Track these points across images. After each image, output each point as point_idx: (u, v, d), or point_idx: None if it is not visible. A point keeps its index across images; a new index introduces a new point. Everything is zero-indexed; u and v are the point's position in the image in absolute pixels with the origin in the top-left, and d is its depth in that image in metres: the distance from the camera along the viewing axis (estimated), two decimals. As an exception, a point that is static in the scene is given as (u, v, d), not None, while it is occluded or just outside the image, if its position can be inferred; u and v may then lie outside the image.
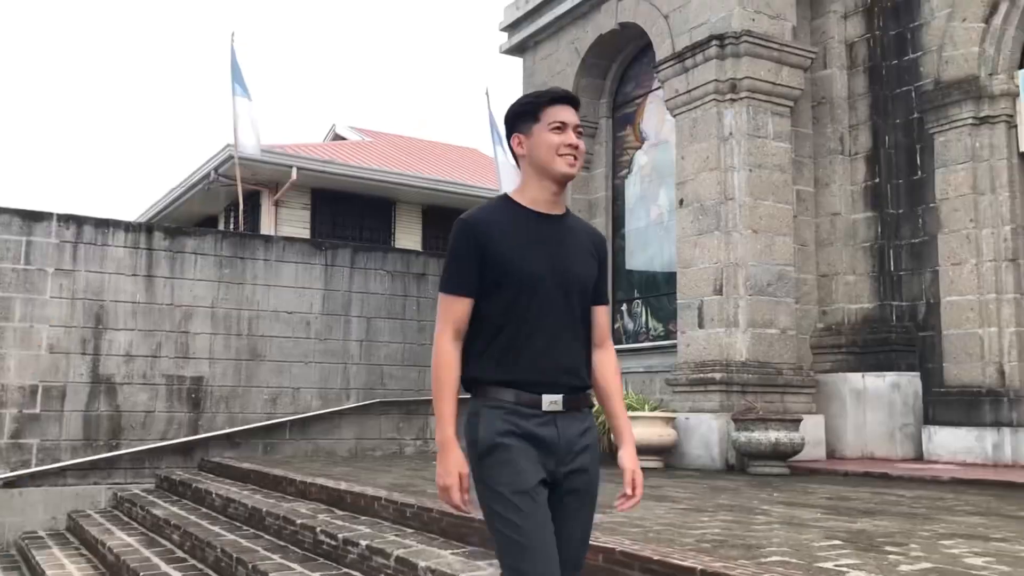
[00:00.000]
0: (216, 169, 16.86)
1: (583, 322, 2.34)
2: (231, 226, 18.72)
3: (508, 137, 2.37)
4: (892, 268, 9.59)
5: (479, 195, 17.56)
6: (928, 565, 3.38)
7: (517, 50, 12.83)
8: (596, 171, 11.96)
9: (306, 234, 17.18)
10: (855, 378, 9.42)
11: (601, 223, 11.62)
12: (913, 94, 9.48)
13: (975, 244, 8.78)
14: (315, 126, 66.25)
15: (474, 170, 21.29)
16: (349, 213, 18.28)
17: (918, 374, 9.26)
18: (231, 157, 15.68)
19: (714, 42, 9.24)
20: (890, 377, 9.22)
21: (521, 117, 2.33)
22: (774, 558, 3.52)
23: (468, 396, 2.32)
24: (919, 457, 8.97)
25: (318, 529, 5.46)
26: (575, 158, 2.30)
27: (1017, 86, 8.75)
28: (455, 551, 4.57)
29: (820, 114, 10.11)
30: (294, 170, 16.53)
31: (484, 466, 2.17)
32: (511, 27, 12.77)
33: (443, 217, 19.18)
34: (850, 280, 9.80)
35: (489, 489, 2.17)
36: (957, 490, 6.62)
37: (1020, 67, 8.85)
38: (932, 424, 8.88)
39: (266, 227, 17.47)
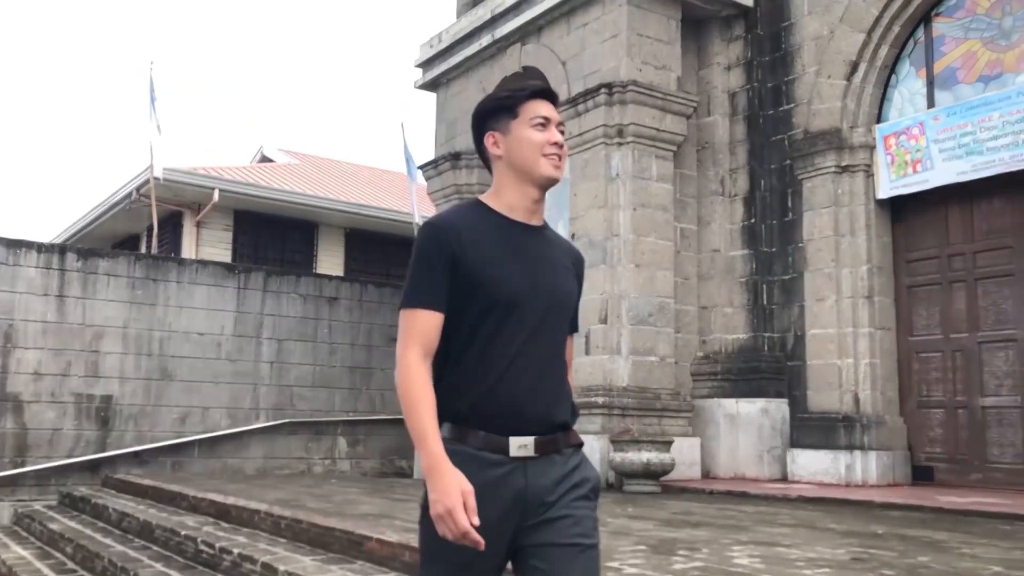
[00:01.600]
0: (138, 189, 17.06)
1: (562, 350, 2.04)
2: (150, 248, 18.89)
3: (480, 136, 2.07)
4: (765, 302, 10.37)
5: (402, 220, 18.07)
6: (699, 564, 3.99)
7: (431, 86, 13.43)
8: (501, 204, 12.58)
9: (228, 255, 17.46)
10: (729, 403, 10.15)
11: (505, 253, 12.21)
12: (786, 142, 10.31)
13: (836, 282, 9.59)
14: (247, 147, 65.98)
15: (400, 194, 21.79)
16: (272, 235, 18.59)
17: (786, 400, 10.02)
18: (155, 178, 15.91)
19: (603, 90, 9.95)
20: (760, 403, 9.97)
21: (496, 113, 2.05)
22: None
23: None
24: (784, 477, 9.71)
25: (199, 539, 5.89)
26: (560, 159, 2.03)
27: (874, 139, 9.63)
28: (315, 557, 5.05)
29: (704, 158, 10.89)
30: (216, 192, 16.82)
31: (428, 523, 1.82)
32: (425, 64, 13.37)
33: (366, 240, 19.64)
34: (727, 312, 10.56)
35: (426, 553, 1.89)
36: (796, 506, 7.33)
37: (877, 122, 9.74)
38: (795, 447, 9.64)
39: (188, 247, 17.68)
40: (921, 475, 9.26)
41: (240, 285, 12.71)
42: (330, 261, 19.28)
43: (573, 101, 10.34)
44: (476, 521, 1.74)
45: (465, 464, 1.81)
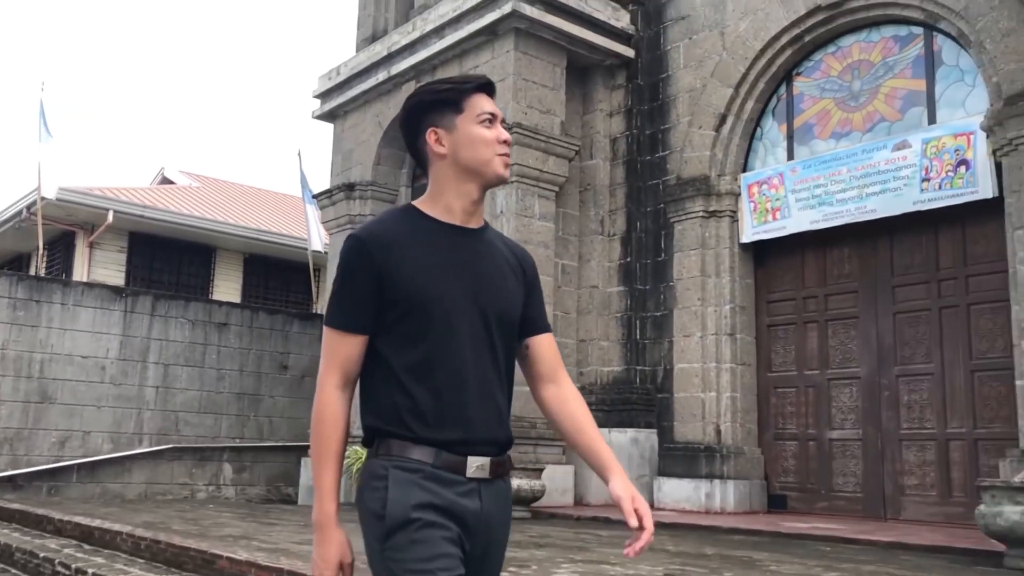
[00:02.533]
0: (28, 207, 16.73)
1: (507, 361, 1.91)
2: (40, 267, 18.49)
3: (416, 133, 1.91)
4: (638, 336, 10.91)
5: (302, 246, 18.13)
6: (520, 579, 4.34)
7: (328, 116, 13.67)
8: (394, 235, 12.88)
9: (121, 277, 17.22)
10: (603, 432, 10.59)
11: (395, 283, 12.49)
12: (661, 187, 10.93)
13: (701, 319, 10.19)
14: (150, 169, 64.66)
15: (301, 219, 21.81)
16: (168, 258, 18.39)
17: (655, 431, 10.54)
18: (42, 198, 15.66)
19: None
20: (631, 433, 10.46)
21: (438, 107, 1.88)
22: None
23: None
24: (651, 505, 10.18)
25: (57, 561, 5.95)
26: (507, 156, 1.91)
27: (739, 187, 10.31)
28: (170, 575, 5.22)
29: (586, 198, 11.43)
30: (110, 213, 16.61)
31: (393, 547, 1.71)
32: (323, 95, 13.62)
33: (265, 265, 19.59)
34: (604, 345, 11.06)
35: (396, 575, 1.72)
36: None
37: (743, 171, 10.44)
38: (662, 475, 10.14)
39: (79, 268, 17.38)
40: (776, 503, 9.87)
41: (127, 308, 12.63)
42: (228, 286, 19.15)
43: (461, 140, 10.74)
44: None
45: (427, 482, 1.73)
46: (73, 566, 5.75)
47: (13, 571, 6.55)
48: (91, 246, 17.78)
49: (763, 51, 10.08)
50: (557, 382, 2.00)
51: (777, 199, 9.92)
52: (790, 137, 10.16)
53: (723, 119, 10.41)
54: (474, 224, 1.92)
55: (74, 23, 65.92)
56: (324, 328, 1.87)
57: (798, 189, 9.72)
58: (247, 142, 65.79)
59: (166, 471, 12.66)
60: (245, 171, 61.59)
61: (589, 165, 11.50)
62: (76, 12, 65.22)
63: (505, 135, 1.90)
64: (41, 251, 14.84)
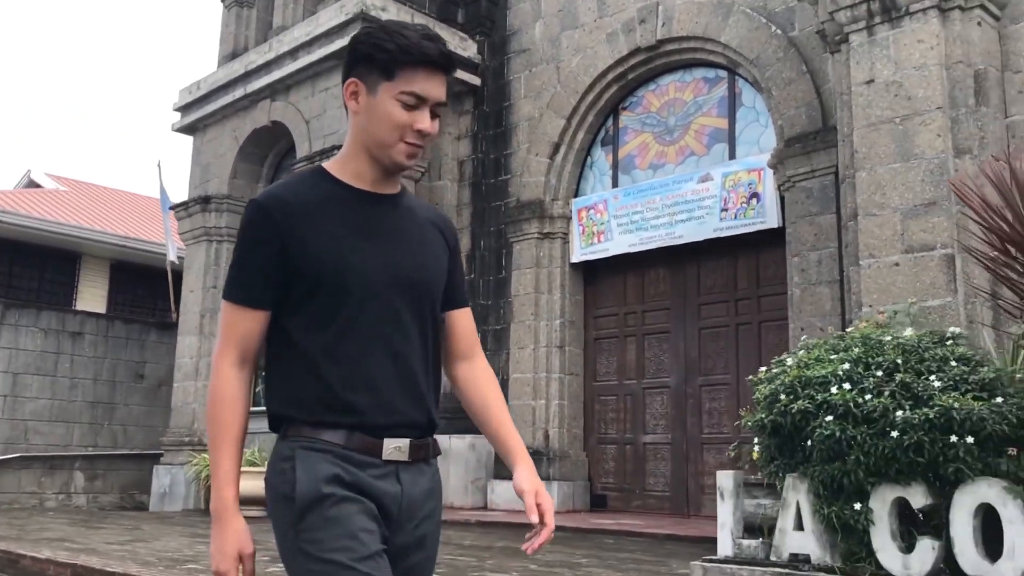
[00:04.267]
0: None
1: (433, 337, 1.80)
2: None
3: (345, 76, 1.76)
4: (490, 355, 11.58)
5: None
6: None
7: (188, 129, 13.91)
8: (250, 247, 13.23)
9: (-24, 283, 16.90)
10: (443, 439, 11.23)
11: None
12: (502, 208, 11.66)
13: (534, 332, 10.96)
14: (16, 171, 62.17)
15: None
16: (29, 264, 18.05)
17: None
18: None
19: (335, 151, 10.88)
20: (468, 439, 11.12)
21: (367, 62, 1.72)
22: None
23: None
24: (485, 506, 10.88)
25: None
26: (419, 147, 1.74)
27: (571, 211, 11.14)
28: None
29: (434, 216, 12.06)
30: (-37, 218, 16.31)
31: (305, 528, 1.60)
32: (184, 108, 13.85)
33: (133, 273, 19.41)
34: (447, 357, 11.70)
35: (315, 560, 1.59)
36: (466, 528, 8.44)
37: (575, 196, 11.27)
38: (496, 479, 10.84)
39: (-70, 273, 16.96)
40: (597, 503, 10.70)
41: (-26, 317, 12.57)
42: (93, 293, 18.90)
43: (310, 158, 11.24)
44: None
45: (339, 464, 1.63)
46: None
47: None
48: (-56, 251, 17.38)
49: (592, 86, 10.94)
50: (471, 360, 1.90)
51: (602, 223, 10.78)
52: (615, 166, 11.05)
53: (557, 147, 11.23)
54: (389, 190, 1.78)
55: (-58, 12, 62.84)
56: (222, 302, 1.75)
57: (619, 215, 10.60)
58: (117, 147, 64.01)
59: (13, 480, 12.63)
60: (115, 175, 59.93)
61: (438, 185, 12.14)
62: (-56, 1, 62.19)
63: (423, 124, 1.72)
64: None
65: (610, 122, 11.21)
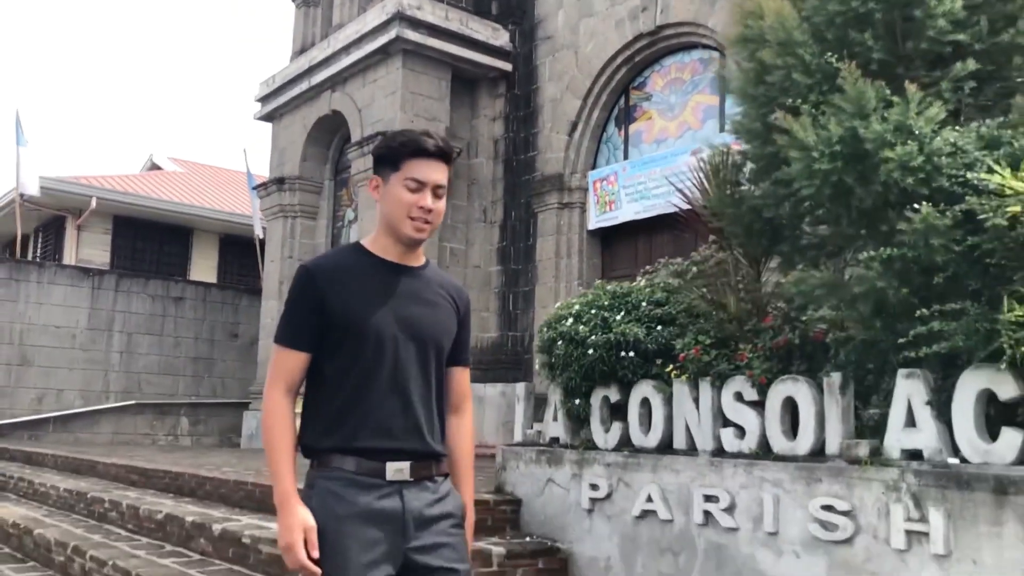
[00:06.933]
0: (22, 196, 18.95)
1: (437, 383, 2.22)
2: (38, 247, 20.80)
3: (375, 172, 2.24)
4: (511, 308, 12.99)
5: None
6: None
7: (267, 118, 15.74)
8: (320, 222, 15.01)
9: (107, 256, 19.40)
10: (479, 387, 12.73)
11: (320, 263, 14.62)
12: (531, 182, 12.94)
13: (555, 293, 12.23)
14: (141, 154, 67.35)
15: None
16: (149, 239, 20.51)
17: (522, 384, 12.61)
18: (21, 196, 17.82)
19: (379, 136, 12.44)
20: (500, 387, 12.56)
21: (381, 161, 2.21)
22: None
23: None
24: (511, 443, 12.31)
25: (4, 471, 8.20)
26: (426, 222, 2.18)
27: (587, 183, 12.31)
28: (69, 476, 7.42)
29: (472, 191, 13.47)
30: (93, 199, 18.76)
31: (324, 542, 2.05)
32: (263, 99, 15.69)
33: (240, 245, 21.66)
34: (484, 316, 13.16)
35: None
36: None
37: (592, 169, 12.42)
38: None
39: (69, 249, 19.60)
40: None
41: (94, 286, 14.87)
42: (205, 265, 21.21)
43: (360, 144, 12.82)
44: (315, 555, 2.03)
45: (347, 488, 2.05)
46: (16, 475, 7.99)
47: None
48: (79, 229, 19.98)
49: (604, 68, 12.02)
50: (460, 414, 2.35)
51: (613, 193, 11.92)
52: (626, 141, 12.13)
53: (575, 126, 12.38)
54: (412, 262, 2.23)
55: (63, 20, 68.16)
56: (273, 344, 2.19)
57: (628, 185, 11.70)
58: (227, 130, 68.16)
59: (130, 423, 14.94)
60: (232, 156, 63.92)
61: (476, 163, 13.52)
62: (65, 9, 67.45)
63: (426, 202, 2.15)
64: (19, 239, 16.97)
65: (622, 101, 12.27)
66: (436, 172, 2.17)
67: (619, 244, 12.35)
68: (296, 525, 2.04)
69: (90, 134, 63.76)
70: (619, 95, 12.28)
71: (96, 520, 6.68)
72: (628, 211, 11.67)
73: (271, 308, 14.69)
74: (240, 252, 21.38)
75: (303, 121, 14.79)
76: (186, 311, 15.73)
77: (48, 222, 20.14)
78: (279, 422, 2.10)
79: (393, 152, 2.17)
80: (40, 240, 20.59)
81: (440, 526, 2.14)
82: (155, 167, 25.91)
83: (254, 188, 15.76)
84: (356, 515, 2.05)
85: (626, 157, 12.08)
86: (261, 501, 5.86)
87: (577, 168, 12.43)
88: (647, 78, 11.97)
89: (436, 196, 2.17)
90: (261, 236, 15.91)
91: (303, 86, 14.55)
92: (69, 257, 18.32)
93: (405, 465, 2.10)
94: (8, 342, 14.01)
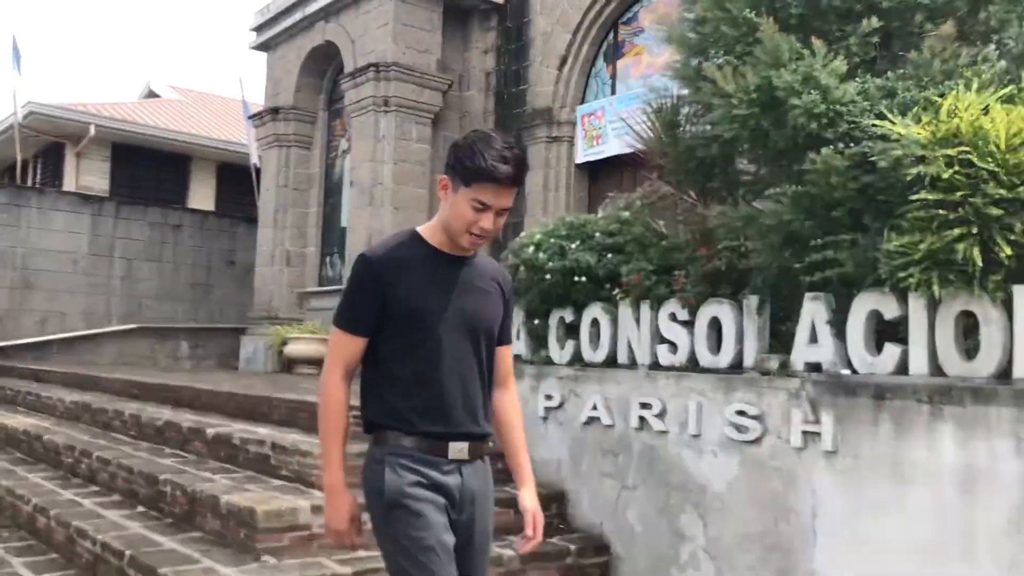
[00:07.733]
0: (23, 119, 19.17)
1: (488, 367, 2.38)
2: (37, 173, 21.11)
3: (445, 170, 2.31)
4: (501, 239, 13.36)
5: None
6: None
7: (263, 48, 15.91)
8: (314, 152, 15.31)
9: (106, 183, 19.70)
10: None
11: (315, 193, 15.01)
12: (521, 115, 13.21)
13: (542, 226, 12.61)
14: (139, 82, 66.86)
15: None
16: (147, 167, 20.70)
17: None
18: (31, 112, 18.08)
19: (371, 69, 12.68)
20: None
21: (455, 169, 2.27)
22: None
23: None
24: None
25: (14, 387, 8.73)
26: (481, 238, 2.28)
27: (575, 117, 12.59)
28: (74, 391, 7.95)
29: (464, 124, 13.74)
30: (92, 127, 18.97)
31: (391, 519, 2.21)
32: (258, 29, 15.84)
33: (237, 173, 21.86)
34: (473, 246, 13.55)
35: (395, 543, 2.21)
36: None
37: (580, 103, 12.69)
38: (507, 349, 12.77)
39: (69, 176, 19.87)
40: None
41: (94, 212, 15.25)
42: (203, 192, 21.46)
43: (353, 75, 13.06)
44: (359, 541, 2.30)
45: (416, 465, 2.23)
46: (24, 389, 8.54)
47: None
48: (78, 156, 20.25)
49: (594, 2, 12.20)
50: (506, 388, 2.52)
51: (599, 128, 12.22)
52: (613, 76, 12.38)
53: (564, 60, 12.61)
54: (464, 253, 2.36)
55: (81, -73, 66.89)
56: (332, 328, 2.35)
57: (613, 120, 11.97)
58: (233, 56, 67.53)
59: (132, 346, 15.47)
60: (229, 84, 63.48)
61: (467, 96, 13.77)
62: (82, -84, 66.17)
63: (486, 224, 2.25)
64: (19, 166, 17.29)
65: (611, 36, 12.48)
66: (504, 198, 2.28)
67: (605, 178, 12.67)
68: (345, 512, 2.29)
69: (88, 61, 63.38)
70: (608, 30, 12.48)
71: (101, 428, 7.24)
72: (614, 146, 11.94)
73: (267, 236, 15.10)
74: (237, 180, 21.52)
75: (297, 51, 14.98)
76: (184, 238, 16.14)
77: (47, 149, 20.40)
78: (334, 408, 2.28)
79: (468, 172, 2.25)
80: (40, 167, 20.87)
81: (482, 502, 2.37)
82: (153, 95, 25.97)
83: (249, 117, 16.02)
84: (427, 484, 2.25)
85: (614, 92, 12.34)
86: (251, 410, 6.40)
87: (566, 102, 12.69)
88: (635, 13, 12.16)
89: (498, 215, 2.29)
90: (257, 164, 16.23)
91: (297, 16, 14.70)
92: (69, 184, 18.63)
93: (464, 445, 2.31)
94: (11, 266, 14.44)
